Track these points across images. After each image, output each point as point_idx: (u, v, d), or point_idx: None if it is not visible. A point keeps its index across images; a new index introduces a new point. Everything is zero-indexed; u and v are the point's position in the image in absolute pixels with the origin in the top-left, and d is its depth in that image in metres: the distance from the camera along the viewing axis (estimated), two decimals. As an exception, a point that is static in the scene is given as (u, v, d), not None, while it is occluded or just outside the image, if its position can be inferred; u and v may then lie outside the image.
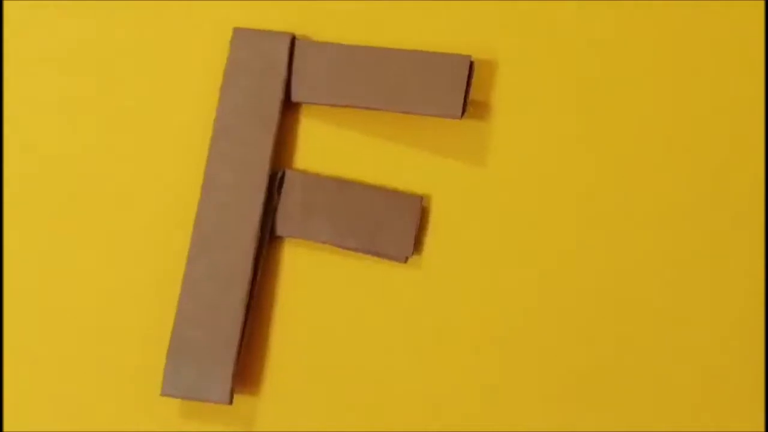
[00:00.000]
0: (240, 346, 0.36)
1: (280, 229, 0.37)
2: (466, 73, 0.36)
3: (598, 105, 0.37)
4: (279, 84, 0.37)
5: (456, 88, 0.36)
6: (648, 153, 0.37)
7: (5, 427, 0.36)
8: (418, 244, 0.37)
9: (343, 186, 0.37)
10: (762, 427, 0.35)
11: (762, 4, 0.37)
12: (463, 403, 0.36)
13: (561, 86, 0.37)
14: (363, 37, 0.38)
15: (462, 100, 0.36)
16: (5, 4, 0.38)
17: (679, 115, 0.37)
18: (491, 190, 0.37)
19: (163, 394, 0.35)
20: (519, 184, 0.37)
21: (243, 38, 0.37)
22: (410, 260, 0.37)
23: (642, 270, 0.36)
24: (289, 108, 0.38)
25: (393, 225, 0.36)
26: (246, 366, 0.36)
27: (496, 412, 0.36)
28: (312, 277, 0.37)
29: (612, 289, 0.36)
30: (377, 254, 0.37)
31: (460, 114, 0.36)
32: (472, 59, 0.37)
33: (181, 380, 0.35)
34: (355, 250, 0.37)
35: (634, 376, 0.36)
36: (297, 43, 0.37)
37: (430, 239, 0.37)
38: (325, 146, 0.38)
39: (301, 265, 0.37)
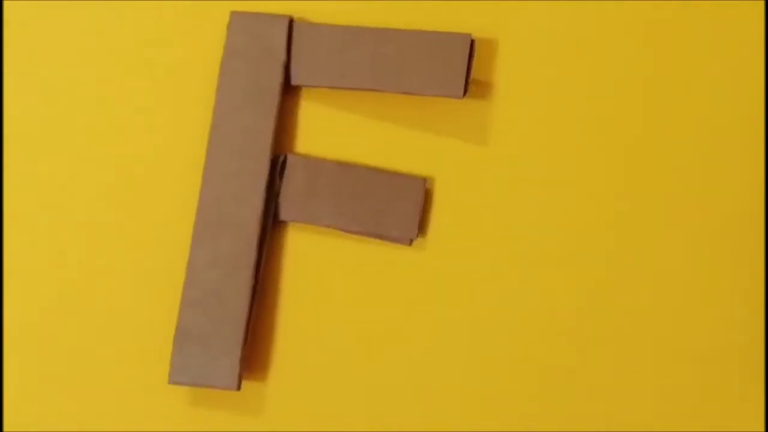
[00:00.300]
0: (246, 331, 0.35)
1: (284, 213, 0.36)
2: (467, 52, 0.36)
3: (600, 83, 0.37)
4: (278, 67, 0.37)
5: (457, 68, 0.36)
6: (650, 134, 0.37)
7: (5, 428, 0.36)
8: (422, 227, 0.37)
9: (345, 169, 0.36)
10: (762, 427, 0.35)
11: (762, 4, 0.36)
12: (470, 387, 0.36)
13: (562, 64, 0.37)
14: (361, 18, 0.38)
15: (463, 80, 0.36)
16: (5, 4, 0.38)
17: (678, 109, 0.37)
18: (494, 169, 0.37)
19: (171, 382, 0.35)
20: (522, 163, 0.37)
21: (240, 22, 0.37)
22: (415, 243, 0.37)
23: (643, 253, 0.36)
24: (288, 91, 0.38)
25: (397, 208, 0.36)
26: (252, 351, 0.36)
27: (505, 395, 0.36)
28: (316, 261, 0.37)
29: (615, 269, 0.36)
30: (381, 237, 0.36)
31: (462, 94, 0.36)
32: (472, 38, 0.37)
33: (188, 368, 0.35)
34: (359, 233, 0.36)
35: (634, 376, 0.36)
36: (295, 25, 0.37)
37: (434, 221, 0.37)
38: (326, 129, 0.37)
39: (305, 250, 0.37)
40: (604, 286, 0.36)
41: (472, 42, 0.36)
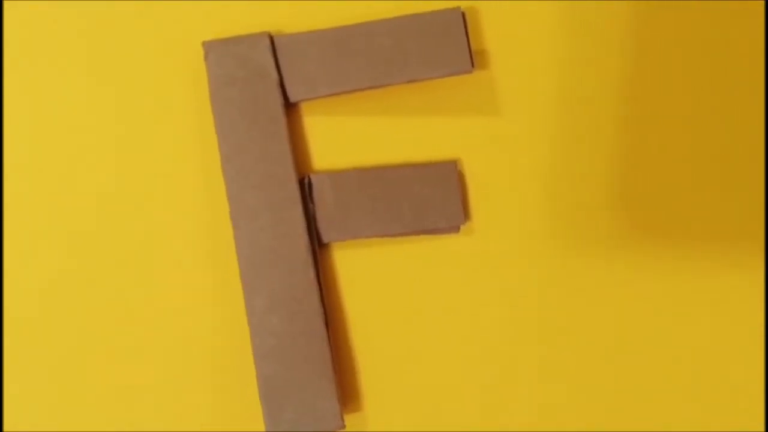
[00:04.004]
0: (334, 366, 0.33)
1: (325, 236, 0.34)
2: (463, 25, 0.35)
3: (586, 34, 0.37)
4: (273, 88, 0.34)
5: (459, 43, 0.35)
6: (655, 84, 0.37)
7: (5, 428, 0.34)
8: (466, 211, 0.36)
9: (372, 174, 0.35)
10: (762, 427, 0.36)
11: (762, 4, 0.36)
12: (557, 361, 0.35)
13: (554, 20, 0.37)
14: (333, 18, 0.36)
15: (468, 54, 0.35)
16: (5, 4, 0.35)
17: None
18: (514, 136, 0.36)
19: (269, 434, 0.32)
20: (538, 122, 0.36)
21: (218, 50, 0.34)
22: (462, 228, 0.36)
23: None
24: (288, 110, 0.35)
25: (436, 198, 0.35)
26: (341, 382, 0.34)
27: (573, 370, 0.36)
28: (370, 274, 0.35)
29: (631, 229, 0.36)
30: (428, 232, 0.35)
31: (471, 68, 0.35)
32: (462, 10, 0.36)
33: (285, 419, 0.32)
34: (405, 234, 0.35)
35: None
36: (276, 40, 0.35)
37: (472, 202, 0.36)
38: (337, 139, 0.35)
39: (354, 266, 0.35)
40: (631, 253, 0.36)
41: (463, 14, 0.35)
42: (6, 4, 0.35)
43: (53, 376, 0.34)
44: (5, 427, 0.34)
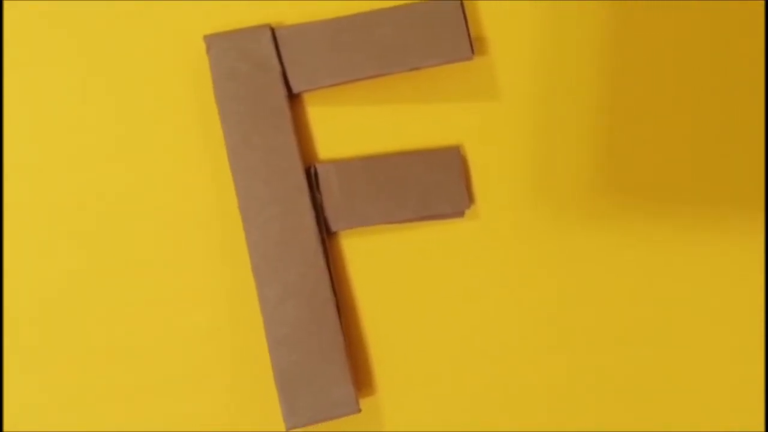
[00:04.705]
0: (347, 352, 0.34)
1: (333, 225, 0.35)
2: (462, 13, 0.35)
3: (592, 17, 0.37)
4: (277, 80, 0.35)
5: (458, 30, 0.35)
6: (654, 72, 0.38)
7: (5, 428, 0.34)
8: (470, 195, 0.36)
9: (377, 162, 0.35)
10: (762, 427, 0.36)
11: (762, 4, 0.37)
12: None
13: (551, 6, 0.37)
14: (334, 9, 0.36)
15: (468, 41, 0.35)
16: (5, 5, 0.35)
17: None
18: (514, 119, 0.37)
19: (289, 428, 0.33)
20: (538, 106, 0.37)
21: (220, 44, 0.35)
22: (466, 212, 0.36)
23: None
24: (291, 100, 0.36)
25: (441, 183, 0.35)
26: (353, 367, 0.35)
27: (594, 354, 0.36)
28: (378, 260, 0.35)
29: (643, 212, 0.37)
30: (434, 217, 0.36)
31: (471, 55, 0.35)
32: (460, -1, 0.36)
33: (302, 408, 0.33)
34: (411, 220, 0.35)
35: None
36: (277, 32, 0.35)
37: (475, 186, 0.36)
38: (340, 128, 0.36)
39: (361, 253, 0.35)
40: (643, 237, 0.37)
41: (462, 2, 0.36)
42: (6, 4, 0.35)
43: (58, 375, 0.34)
44: (5, 427, 0.34)
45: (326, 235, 0.35)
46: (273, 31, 0.35)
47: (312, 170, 0.35)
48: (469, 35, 0.35)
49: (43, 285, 0.34)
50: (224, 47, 0.35)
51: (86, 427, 0.34)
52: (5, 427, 0.34)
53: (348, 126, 0.36)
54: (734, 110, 0.37)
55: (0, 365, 0.34)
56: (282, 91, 0.35)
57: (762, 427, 0.36)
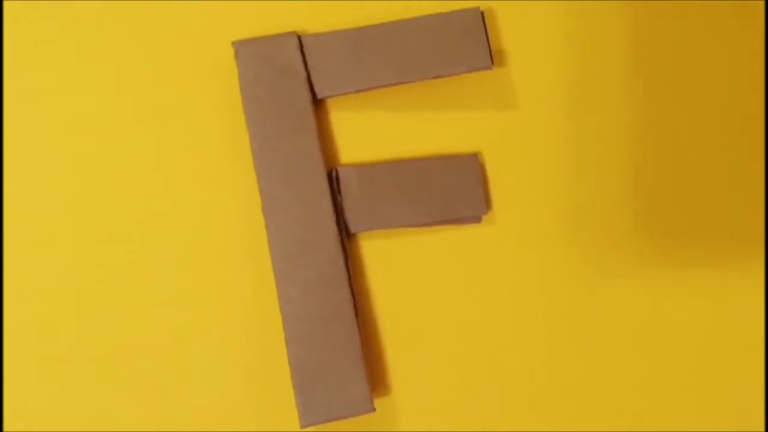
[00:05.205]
0: (363, 351, 0.34)
1: (353, 226, 0.36)
2: (483, 24, 0.36)
3: (599, 32, 0.38)
4: (302, 85, 0.36)
5: (479, 41, 0.36)
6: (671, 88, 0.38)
7: (5, 428, 0.35)
8: (487, 201, 0.37)
9: (397, 166, 0.36)
10: (762, 427, 0.36)
11: (762, 4, 0.37)
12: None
13: (570, 19, 0.38)
14: (358, 19, 0.37)
15: (488, 51, 0.36)
16: (5, 5, 0.36)
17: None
18: (531, 130, 0.37)
19: (304, 425, 0.34)
20: (555, 117, 0.37)
21: (248, 50, 0.36)
22: (483, 218, 0.37)
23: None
24: (315, 106, 0.37)
25: (459, 188, 0.36)
26: (369, 367, 0.35)
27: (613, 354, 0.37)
28: (396, 262, 0.36)
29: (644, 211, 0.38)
30: (451, 222, 0.36)
31: (491, 64, 0.36)
32: (482, 10, 0.37)
33: (317, 405, 0.34)
34: (430, 224, 0.36)
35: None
36: (304, 39, 0.36)
37: (492, 193, 0.37)
38: (361, 133, 0.37)
39: (379, 255, 0.36)
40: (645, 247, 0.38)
41: (482, 14, 0.37)
42: (46, 4, 0.36)
43: (67, 375, 0.35)
44: (5, 427, 0.35)
45: (346, 236, 0.36)
46: (299, 38, 0.36)
47: (334, 173, 0.36)
48: (488, 45, 0.36)
49: (63, 284, 0.35)
50: (252, 53, 0.36)
51: (86, 426, 0.35)
52: (5, 427, 0.35)
53: (370, 131, 0.37)
54: None
55: (1, 365, 0.35)
56: (307, 97, 0.36)
57: (762, 427, 0.36)
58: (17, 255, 0.35)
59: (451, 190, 0.36)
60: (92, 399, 0.35)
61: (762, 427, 0.36)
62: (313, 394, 0.34)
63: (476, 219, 0.37)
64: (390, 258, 0.36)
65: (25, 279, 0.35)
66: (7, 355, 0.35)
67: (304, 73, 0.36)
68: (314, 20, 0.37)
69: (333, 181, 0.36)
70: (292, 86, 0.36)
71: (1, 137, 0.36)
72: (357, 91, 0.36)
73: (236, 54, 0.36)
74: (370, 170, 0.36)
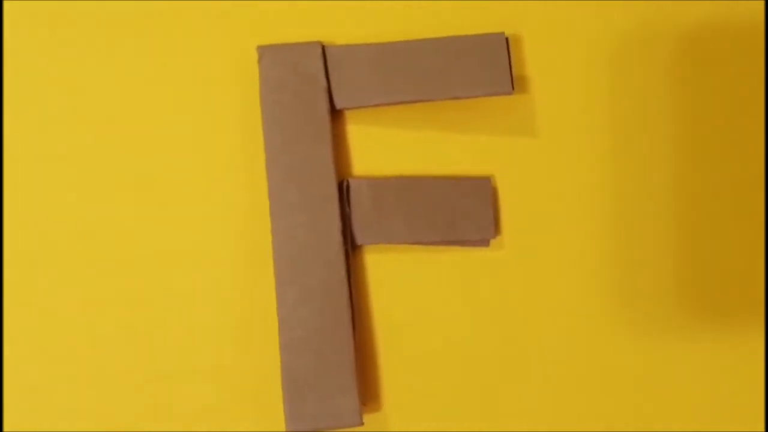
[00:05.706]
0: (356, 363, 0.34)
1: (359, 238, 0.35)
2: (506, 49, 0.36)
3: (625, 58, 0.38)
4: (321, 94, 0.36)
5: (501, 65, 0.36)
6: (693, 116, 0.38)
7: (5, 428, 0.34)
8: (496, 225, 0.37)
9: (409, 183, 0.36)
10: (762, 427, 0.36)
11: (762, 4, 0.37)
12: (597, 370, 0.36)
13: (591, 48, 0.38)
14: (373, 35, 0.37)
15: (510, 76, 0.36)
16: (5, 4, 0.36)
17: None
18: (548, 158, 0.37)
19: (289, 430, 0.33)
20: (573, 146, 0.37)
21: (272, 55, 0.36)
22: (492, 242, 0.37)
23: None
24: (333, 116, 0.37)
25: (469, 210, 0.36)
26: (362, 381, 0.35)
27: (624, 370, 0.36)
28: (399, 278, 0.36)
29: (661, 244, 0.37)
30: (459, 243, 0.36)
31: (512, 89, 0.36)
32: (506, 36, 0.37)
33: (305, 413, 0.33)
34: (437, 243, 0.36)
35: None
36: (327, 50, 0.36)
37: (503, 218, 0.37)
38: (377, 147, 0.37)
39: (384, 269, 0.36)
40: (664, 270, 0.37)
41: (507, 39, 0.37)
42: (47, 5, 0.36)
43: (63, 374, 0.35)
44: (5, 427, 0.35)
45: (351, 247, 0.36)
46: (323, 48, 0.36)
47: (345, 184, 0.36)
48: (510, 70, 0.36)
49: (43, 286, 0.35)
50: (275, 59, 0.36)
51: (89, 426, 0.35)
52: (5, 427, 0.35)
53: (385, 146, 0.37)
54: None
55: (1, 365, 0.35)
56: (325, 106, 0.36)
57: (762, 427, 0.35)
58: (17, 255, 0.35)
59: (461, 212, 0.36)
60: (92, 399, 0.35)
61: (762, 427, 0.36)
62: (302, 401, 0.33)
63: (484, 243, 0.36)
64: (393, 273, 0.36)
65: (25, 279, 0.35)
66: (7, 355, 0.35)
67: (324, 83, 0.36)
68: (340, 32, 0.37)
69: (343, 191, 0.36)
70: (312, 94, 0.36)
71: (13, 137, 0.36)
72: (376, 105, 0.36)
73: (260, 58, 0.36)
74: (381, 184, 0.36)
